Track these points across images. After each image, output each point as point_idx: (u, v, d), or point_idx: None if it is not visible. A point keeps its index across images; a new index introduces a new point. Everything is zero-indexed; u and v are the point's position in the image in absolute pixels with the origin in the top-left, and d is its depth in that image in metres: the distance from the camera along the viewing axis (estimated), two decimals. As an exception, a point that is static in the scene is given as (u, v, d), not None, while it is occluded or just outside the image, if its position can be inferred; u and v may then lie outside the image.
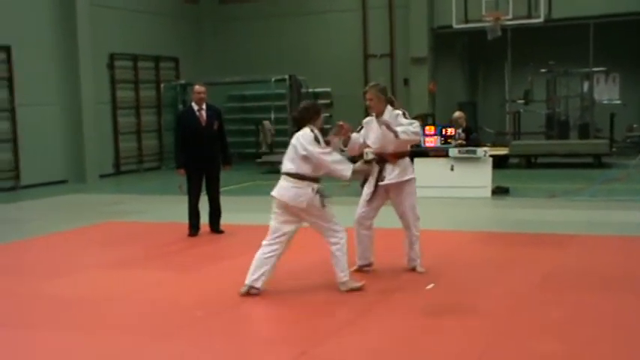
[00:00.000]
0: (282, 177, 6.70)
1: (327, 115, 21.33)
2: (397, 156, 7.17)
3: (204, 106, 9.59)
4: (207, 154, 9.56)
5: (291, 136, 22.06)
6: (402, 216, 7.36)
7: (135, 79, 20.07)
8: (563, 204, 11.67)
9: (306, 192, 6.52)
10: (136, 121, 20.14)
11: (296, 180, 6.56)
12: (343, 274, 6.69)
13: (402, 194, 7.23)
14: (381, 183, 7.17)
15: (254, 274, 6.65)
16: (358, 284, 6.74)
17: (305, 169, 6.58)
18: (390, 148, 7.14)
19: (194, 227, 9.71)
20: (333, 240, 6.72)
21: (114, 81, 19.35)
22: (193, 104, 9.65)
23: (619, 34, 20.26)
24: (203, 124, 9.53)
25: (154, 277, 7.74)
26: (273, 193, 6.67)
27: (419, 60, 20.12)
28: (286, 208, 6.63)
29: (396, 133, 6.99)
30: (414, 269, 7.31)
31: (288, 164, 6.69)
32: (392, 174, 7.16)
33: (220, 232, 9.81)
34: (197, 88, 9.68)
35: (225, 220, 9.96)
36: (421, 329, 5.70)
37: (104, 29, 18.73)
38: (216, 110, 9.84)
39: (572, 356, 4.97)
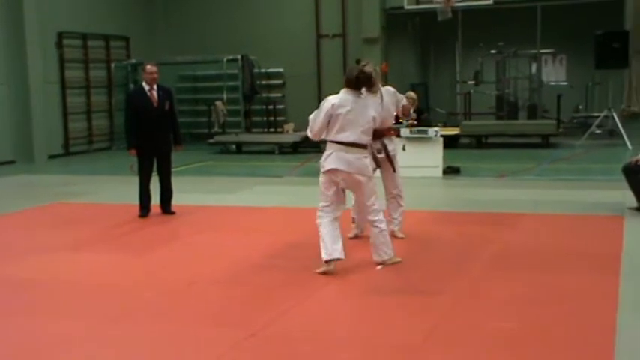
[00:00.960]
0: (345, 148, 6.49)
1: (280, 95, 21.25)
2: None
3: (155, 86, 9.41)
4: (159, 134, 9.41)
5: (246, 114, 21.62)
6: (397, 185, 7.66)
7: (85, 59, 19.61)
8: (512, 183, 11.78)
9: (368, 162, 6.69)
10: (86, 100, 19.70)
11: (363, 150, 6.60)
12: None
13: (393, 165, 7.62)
14: (391, 154, 7.58)
15: (336, 245, 6.50)
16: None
17: (367, 139, 6.66)
18: (390, 122, 7.59)
19: (145, 208, 9.55)
20: (379, 217, 6.74)
21: (63, 60, 18.87)
22: (144, 84, 9.46)
23: (566, 16, 20.48)
24: (154, 104, 9.36)
25: (103, 259, 7.59)
26: (338, 166, 6.47)
27: (371, 40, 20.05)
28: (350, 180, 6.57)
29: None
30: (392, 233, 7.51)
31: (353, 135, 6.50)
32: (391, 146, 7.60)
33: (171, 213, 9.64)
34: (149, 67, 9.48)
35: (176, 201, 9.81)
36: (371, 308, 5.68)
37: (52, 7, 18.23)
38: (167, 90, 9.65)
39: (523, 334, 5.00)
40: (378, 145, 7.38)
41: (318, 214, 6.63)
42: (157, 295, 6.14)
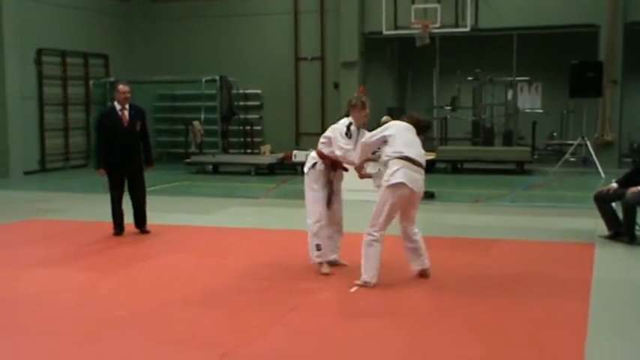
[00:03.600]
0: (411, 165, 6.69)
1: (258, 116, 21.29)
2: None
3: (127, 106, 9.44)
4: (129, 154, 9.45)
5: (223, 135, 21.63)
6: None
7: (63, 76, 19.58)
8: (487, 209, 11.88)
9: None
10: (63, 117, 19.64)
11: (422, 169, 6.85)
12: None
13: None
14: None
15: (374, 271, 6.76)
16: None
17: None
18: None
19: (118, 226, 9.59)
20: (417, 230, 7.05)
21: (41, 77, 18.82)
22: (116, 103, 9.52)
23: (541, 45, 20.78)
24: (125, 124, 9.40)
25: (76, 276, 7.54)
26: (406, 181, 6.64)
27: (349, 64, 20.20)
28: (411, 199, 6.78)
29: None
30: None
31: (415, 153, 6.81)
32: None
33: (146, 232, 9.67)
34: (121, 87, 9.49)
35: (151, 221, 9.79)
36: (343, 331, 5.69)
37: (32, 24, 18.21)
38: (139, 110, 9.69)
39: (491, 359, 5.03)
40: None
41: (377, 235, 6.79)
42: (130, 314, 6.11)
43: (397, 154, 6.72)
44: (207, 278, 7.29)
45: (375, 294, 6.68)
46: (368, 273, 6.76)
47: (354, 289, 6.78)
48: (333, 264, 7.49)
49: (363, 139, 7.06)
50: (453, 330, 5.67)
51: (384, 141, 6.89)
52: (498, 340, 5.40)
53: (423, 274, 7.12)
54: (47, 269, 7.85)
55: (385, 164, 6.80)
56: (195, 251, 8.75)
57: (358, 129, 7.38)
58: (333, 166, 7.36)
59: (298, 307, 6.28)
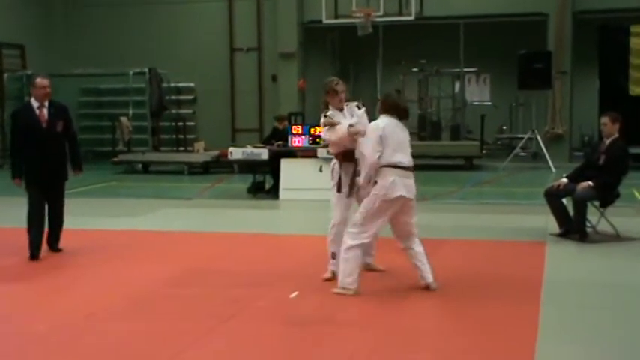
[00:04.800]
0: (404, 173, 6.75)
1: (191, 111, 21.14)
2: None
3: (46, 104, 8.51)
4: (49, 159, 8.50)
5: (154, 132, 21.36)
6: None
7: (-26, 68, 19.16)
8: (434, 207, 11.99)
9: None
10: (-26, 114, 19.22)
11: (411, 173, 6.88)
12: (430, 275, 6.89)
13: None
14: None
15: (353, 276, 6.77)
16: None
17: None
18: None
19: (37, 248, 8.52)
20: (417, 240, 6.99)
21: (-52, 69, 18.39)
22: (32, 101, 8.55)
23: (489, 35, 21.12)
24: (44, 124, 8.46)
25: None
26: (404, 193, 6.70)
27: (288, 55, 20.22)
28: (404, 206, 6.79)
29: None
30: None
31: (406, 158, 6.85)
32: None
33: (58, 250, 8.83)
34: (39, 81, 8.53)
35: (73, 225, 9.47)
36: (283, 340, 5.68)
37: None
38: (61, 108, 8.73)
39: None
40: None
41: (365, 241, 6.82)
42: (52, 328, 5.99)
43: (389, 163, 6.75)
44: (135, 287, 7.19)
45: (317, 300, 6.68)
46: (350, 277, 6.74)
47: (293, 295, 6.77)
48: (368, 269, 7.42)
49: (368, 151, 6.89)
50: (400, 336, 5.70)
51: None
52: (448, 346, 5.46)
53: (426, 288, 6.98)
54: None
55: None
56: (122, 258, 8.62)
57: (341, 110, 7.38)
58: (345, 158, 7.26)
59: (234, 315, 6.24)
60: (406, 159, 6.88)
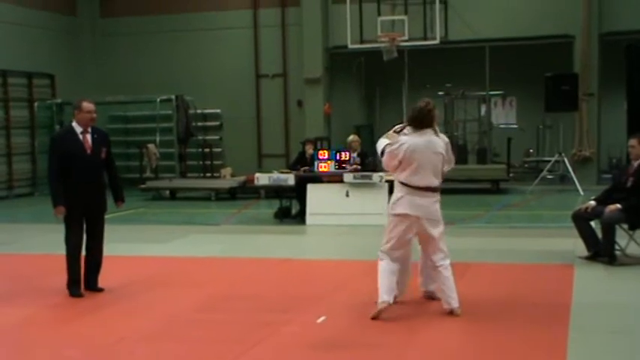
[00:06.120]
0: (417, 192, 6.84)
1: (217, 137, 21.31)
2: None
3: (89, 129, 8.06)
4: (92, 188, 8.02)
5: (181, 158, 21.43)
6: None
7: (5, 97, 19.43)
8: (460, 231, 11.96)
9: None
10: (5, 142, 19.48)
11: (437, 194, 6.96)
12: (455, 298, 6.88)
13: None
14: None
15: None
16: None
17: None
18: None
19: (77, 284, 8.08)
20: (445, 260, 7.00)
21: (-20, 99, 18.68)
22: (75, 125, 8.03)
23: (515, 57, 21.11)
24: (88, 150, 7.98)
25: (22, 313, 7.44)
26: (408, 212, 6.82)
27: (313, 80, 20.34)
28: (420, 226, 6.87)
29: None
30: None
31: (426, 179, 6.88)
32: None
33: (99, 289, 8.24)
34: (86, 105, 8.00)
35: (104, 252, 9.58)
36: (312, 365, 5.72)
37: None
38: (103, 134, 8.30)
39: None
40: None
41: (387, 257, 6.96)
42: (83, 352, 6.08)
43: (402, 181, 6.89)
44: (165, 311, 7.28)
45: (345, 324, 6.72)
46: (379, 290, 6.85)
47: (320, 319, 6.82)
48: (430, 297, 7.42)
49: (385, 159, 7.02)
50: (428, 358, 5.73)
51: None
52: (474, 370, 5.47)
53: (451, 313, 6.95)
54: (-8, 307, 7.76)
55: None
56: (151, 284, 8.71)
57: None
58: None
59: (262, 340, 6.30)
60: (425, 180, 6.86)
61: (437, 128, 7.03)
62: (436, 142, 6.94)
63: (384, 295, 6.79)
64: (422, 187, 6.85)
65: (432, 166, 6.90)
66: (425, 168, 6.85)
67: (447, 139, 7.16)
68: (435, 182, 6.95)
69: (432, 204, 6.92)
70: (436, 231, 6.94)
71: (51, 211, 8.04)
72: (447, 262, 6.99)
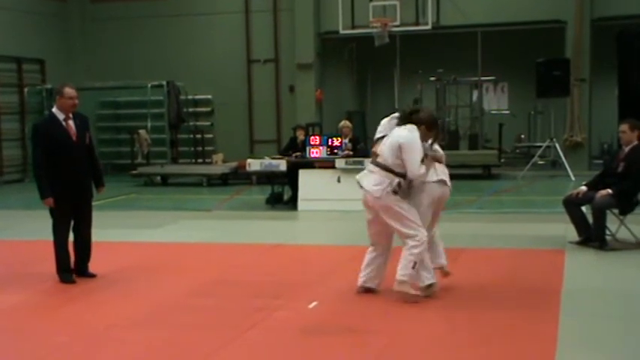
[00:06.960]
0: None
1: (208, 123, 21.26)
2: None
3: (71, 115, 7.88)
4: (79, 176, 7.90)
5: (172, 144, 21.58)
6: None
7: (-6, 83, 19.38)
8: (452, 217, 11.97)
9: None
10: (-5, 128, 19.43)
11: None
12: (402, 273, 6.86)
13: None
14: None
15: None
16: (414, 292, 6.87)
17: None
18: None
19: (68, 272, 8.00)
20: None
21: (-31, 84, 18.59)
22: (56, 112, 7.86)
23: (507, 43, 21.12)
24: (74, 138, 7.82)
25: (12, 300, 7.42)
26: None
27: (305, 66, 20.30)
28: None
29: None
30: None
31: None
32: None
33: (91, 275, 8.15)
34: (68, 90, 7.83)
35: (95, 237, 9.50)
36: (305, 350, 5.71)
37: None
38: (84, 119, 8.09)
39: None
40: None
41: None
42: (72, 339, 6.06)
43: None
44: (155, 298, 7.26)
45: (336, 310, 6.72)
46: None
47: (312, 305, 6.81)
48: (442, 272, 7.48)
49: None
50: (420, 346, 5.73)
51: None
52: (465, 356, 5.47)
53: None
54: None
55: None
56: (142, 269, 8.69)
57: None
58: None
59: (254, 326, 6.29)
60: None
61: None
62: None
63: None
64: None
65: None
66: None
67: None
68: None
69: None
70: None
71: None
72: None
